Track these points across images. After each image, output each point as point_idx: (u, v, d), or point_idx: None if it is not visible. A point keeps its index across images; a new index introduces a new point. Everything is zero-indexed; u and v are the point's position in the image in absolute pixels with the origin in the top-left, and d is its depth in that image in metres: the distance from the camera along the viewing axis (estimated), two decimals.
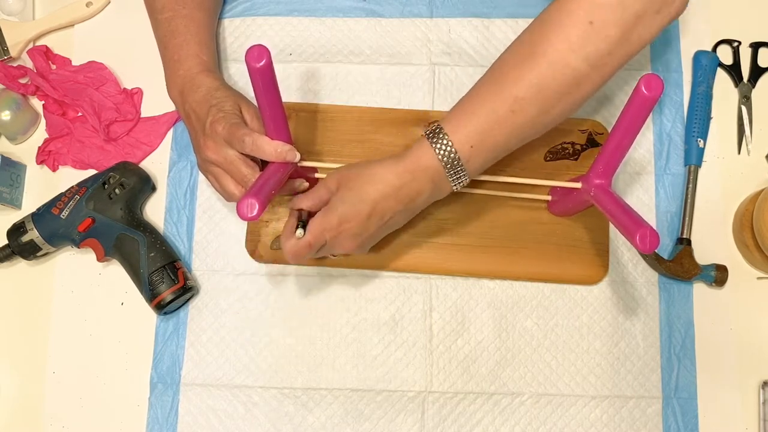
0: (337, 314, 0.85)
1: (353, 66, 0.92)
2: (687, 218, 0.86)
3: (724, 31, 0.92)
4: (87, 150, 0.89)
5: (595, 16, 0.65)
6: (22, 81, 0.91)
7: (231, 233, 0.87)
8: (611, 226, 0.86)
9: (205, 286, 0.86)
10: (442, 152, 0.69)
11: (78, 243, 0.83)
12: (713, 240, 0.87)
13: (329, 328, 0.85)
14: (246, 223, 0.86)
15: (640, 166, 0.88)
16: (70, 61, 0.92)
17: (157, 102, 0.91)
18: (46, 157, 0.89)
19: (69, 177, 0.89)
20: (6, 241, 0.84)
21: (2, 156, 0.86)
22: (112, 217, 0.83)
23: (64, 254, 0.87)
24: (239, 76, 0.91)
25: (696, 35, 0.92)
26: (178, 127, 0.90)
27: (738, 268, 0.86)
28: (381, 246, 0.85)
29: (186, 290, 0.82)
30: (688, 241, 0.85)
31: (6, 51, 0.91)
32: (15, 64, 0.92)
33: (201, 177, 0.89)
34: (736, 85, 0.91)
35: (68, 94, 0.90)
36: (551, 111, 0.69)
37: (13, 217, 0.86)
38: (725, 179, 0.89)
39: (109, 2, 0.94)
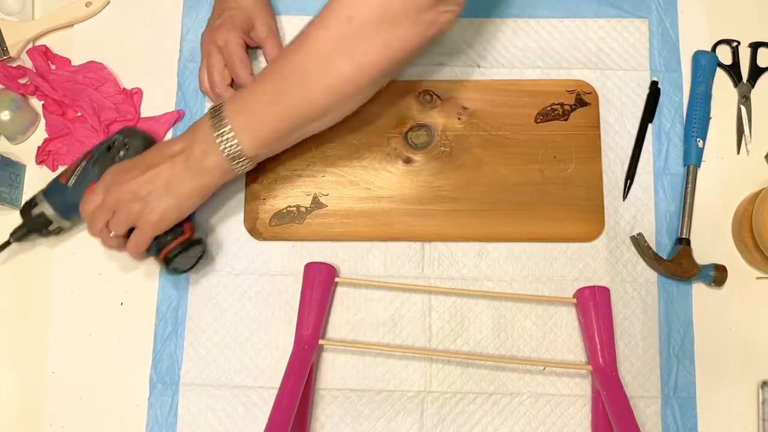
0: (336, 314, 0.85)
1: None
2: (686, 218, 0.86)
3: (724, 31, 0.92)
4: (87, 150, 0.89)
5: (355, 11, 0.67)
6: (22, 81, 0.91)
7: (231, 233, 0.87)
8: (605, 183, 0.87)
9: (204, 286, 0.86)
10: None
11: None
12: (712, 240, 0.87)
13: (329, 328, 0.85)
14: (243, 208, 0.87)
15: (640, 166, 0.88)
16: (70, 61, 0.92)
17: (157, 102, 0.91)
18: (46, 157, 0.89)
19: None
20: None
21: (2, 156, 0.86)
22: None
23: (64, 254, 0.87)
24: None
25: (695, 35, 0.92)
26: (178, 126, 0.90)
27: (737, 268, 0.86)
28: (379, 216, 0.86)
29: (192, 243, 0.80)
30: (688, 241, 0.85)
31: (5, 51, 0.91)
32: (14, 64, 0.92)
33: None
34: (736, 85, 0.91)
35: (68, 94, 0.90)
36: (316, 99, 0.71)
37: (13, 217, 0.86)
38: (724, 179, 0.89)
39: (109, 2, 0.94)
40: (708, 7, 0.93)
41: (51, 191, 0.83)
